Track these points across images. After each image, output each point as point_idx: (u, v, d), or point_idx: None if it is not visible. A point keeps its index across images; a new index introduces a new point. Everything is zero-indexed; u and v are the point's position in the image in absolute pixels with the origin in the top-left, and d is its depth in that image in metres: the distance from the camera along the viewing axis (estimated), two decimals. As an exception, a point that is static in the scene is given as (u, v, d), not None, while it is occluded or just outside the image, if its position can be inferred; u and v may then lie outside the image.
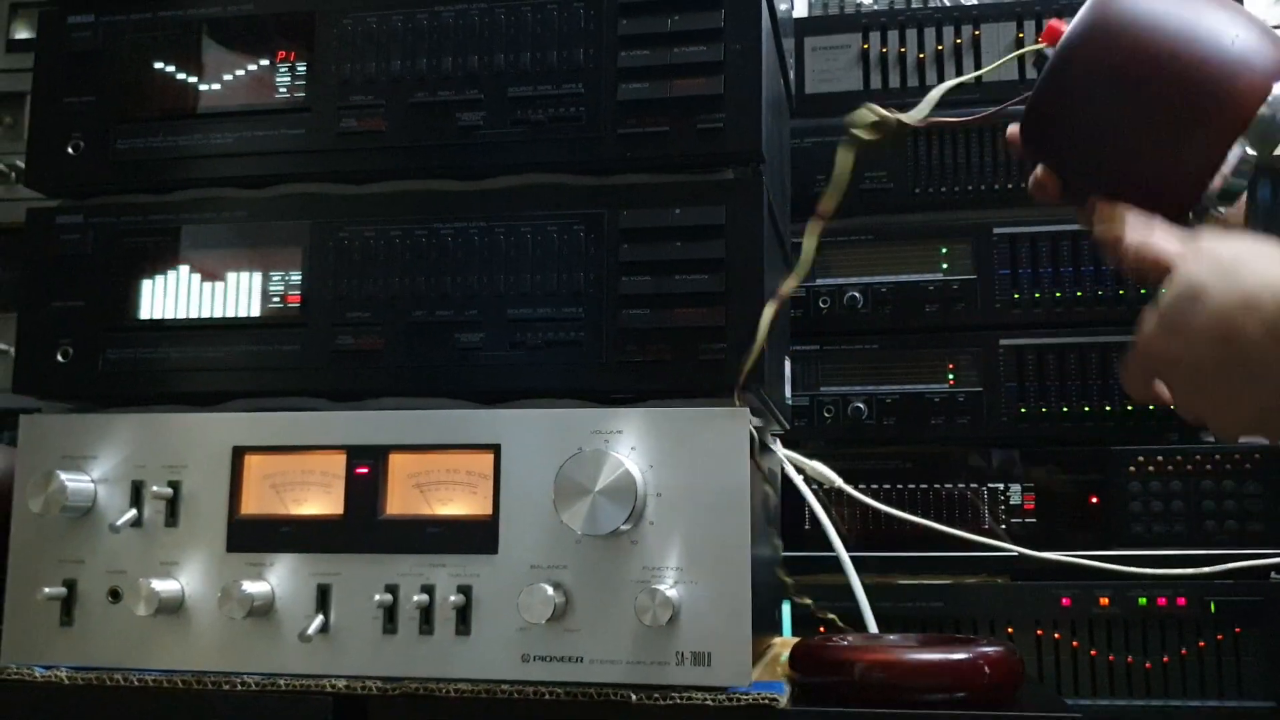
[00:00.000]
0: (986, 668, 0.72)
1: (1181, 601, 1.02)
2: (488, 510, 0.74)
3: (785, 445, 1.02)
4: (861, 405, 1.17)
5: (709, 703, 0.69)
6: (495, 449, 0.75)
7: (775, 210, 0.86)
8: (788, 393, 1.04)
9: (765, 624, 0.89)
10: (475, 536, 0.74)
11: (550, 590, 0.70)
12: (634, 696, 0.70)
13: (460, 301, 0.78)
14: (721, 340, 0.74)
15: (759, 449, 0.80)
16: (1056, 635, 1.04)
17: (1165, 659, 1.02)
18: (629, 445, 0.73)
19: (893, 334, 1.18)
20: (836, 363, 1.19)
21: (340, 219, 0.81)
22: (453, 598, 0.73)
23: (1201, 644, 1.02)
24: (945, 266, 1.17)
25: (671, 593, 0.69)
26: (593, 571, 0.72)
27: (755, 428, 0.78)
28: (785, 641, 1.01)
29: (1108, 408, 1.10)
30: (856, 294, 1.18)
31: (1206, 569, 1.03)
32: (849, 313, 1.18)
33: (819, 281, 1.19)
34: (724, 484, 0.71)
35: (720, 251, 0.74)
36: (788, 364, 1.04)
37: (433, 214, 0.79)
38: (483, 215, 0.79)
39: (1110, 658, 1.03)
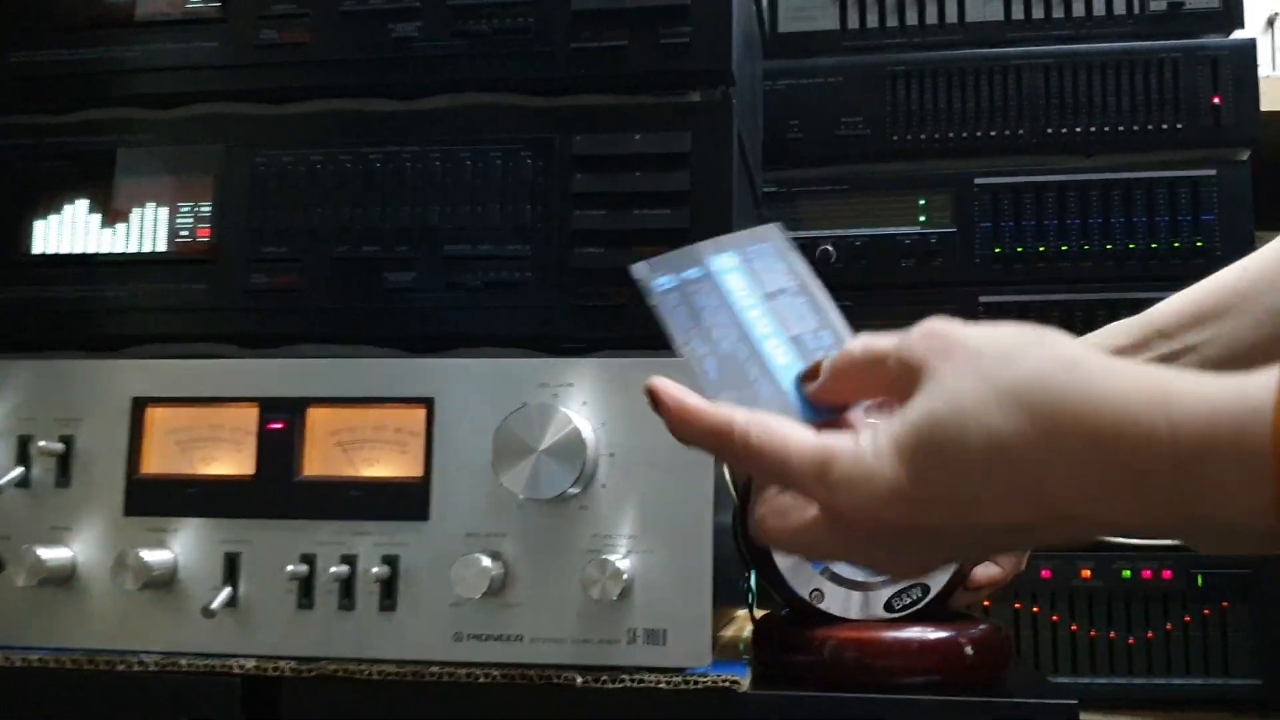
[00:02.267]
0: (969, 647, 0.65)
1: (1167, 575, 0.97)
2: (418, 471, 0.66)
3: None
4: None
5: (663, 685, 0.62)
6: (428, 403, 0.66)
7: (746, 147, 0.78)
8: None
9: (729, 596, 0.82)
10: (404, 501, 0.66)
11: (487, 561, 0.62)
12: (580, 679, 0.62)
13: (390, 236, 0.69)
14: (683, 283, 0.66)
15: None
16: (1035, 609, 0.98)
17: (1149, 635, 0.96)
18: (580, 400, 0.65)
19: (867, 290, 1.10)
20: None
21: (257, 142, 0.72)
22: (376, 569, 0.64)
23: (1187, 619, 0.96)
24: (923, 219, 1.10)
25: (624, 564, 0.62)
26: (536, 540, 0.64)
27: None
28: (751, 615, 0.94)
29: (1092, 370, 1.04)
30: (829, 247, 1.10)
31: (1193, 541, 0.97)
32: (821, 267, 1.10)
33: (789, 234, 1.12)
34: (684, 443, 0.64)
35: (684, 183, 0.66)
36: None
37: (361, 137, 0.70)
38: (417, 139, 0.70)
39: (1092, 633, 0.97)
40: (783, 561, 0.66)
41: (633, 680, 0.62)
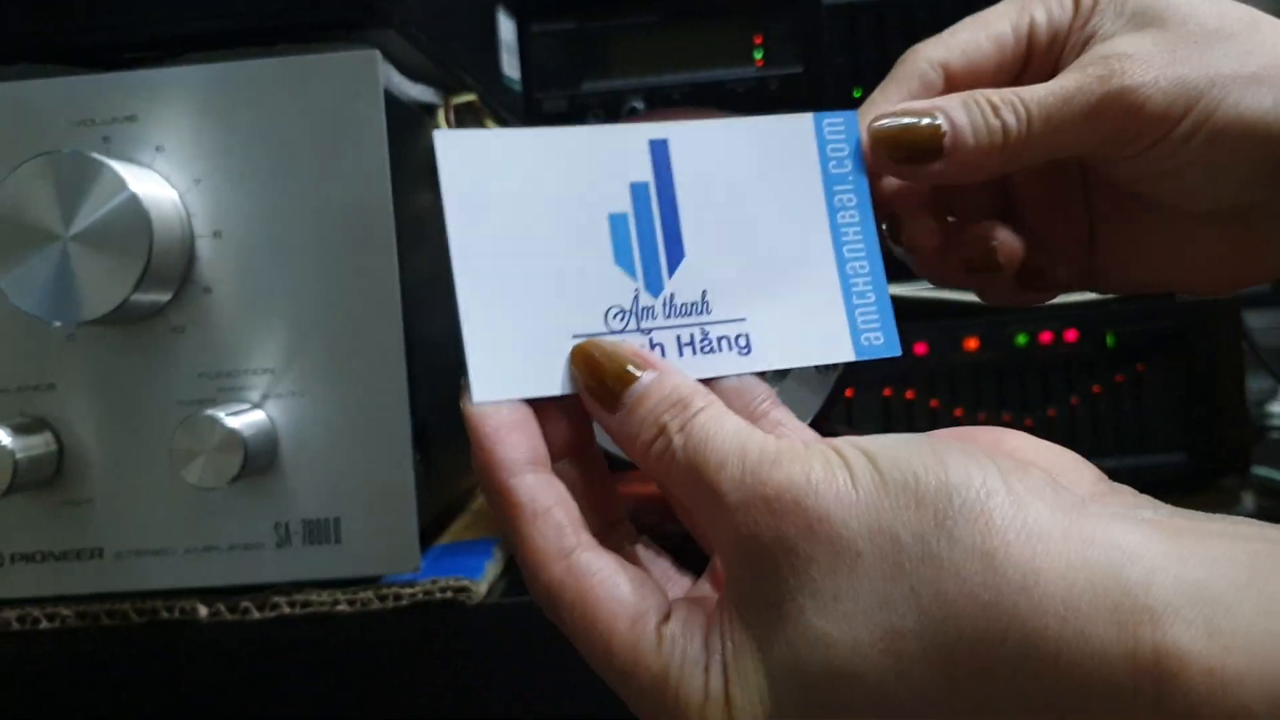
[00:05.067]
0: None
1: (1071, 336, 0.77)
2: (-118, 291, 0.38)
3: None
4: (640, 105, 0.83)
5: (342, 608, 0.37)
6: (-114, 170, 0.38)
7: None
8: (510, 71, 0.69)
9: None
10: None
11: (4, 438, 0.36)
12: (204, 610, 0.38)
13: None
14: (315, -80, 0.38)
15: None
16: (909, 393, 0.77)
17: (1051, 412, 0.77)
18: (152, 144, 0.37)
19: (678, -2, 0.83)
20: (603, 46, 0.84)
21: None
22: None
23: (1096, 389, 0.77)
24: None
25: (246, 420, 0.36)
26: (104, 393, 0.38)
27: (427, 104, 0.43)
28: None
29: (973, 81, 0.80)
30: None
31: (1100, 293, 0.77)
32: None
33: None
34: (344, 201, 0.37)
35: None
36: (505, 23, 0.68)
37: None
38: None
39: (980, 416, 0.77)
40: None
41: (291, 605, 0.37)
